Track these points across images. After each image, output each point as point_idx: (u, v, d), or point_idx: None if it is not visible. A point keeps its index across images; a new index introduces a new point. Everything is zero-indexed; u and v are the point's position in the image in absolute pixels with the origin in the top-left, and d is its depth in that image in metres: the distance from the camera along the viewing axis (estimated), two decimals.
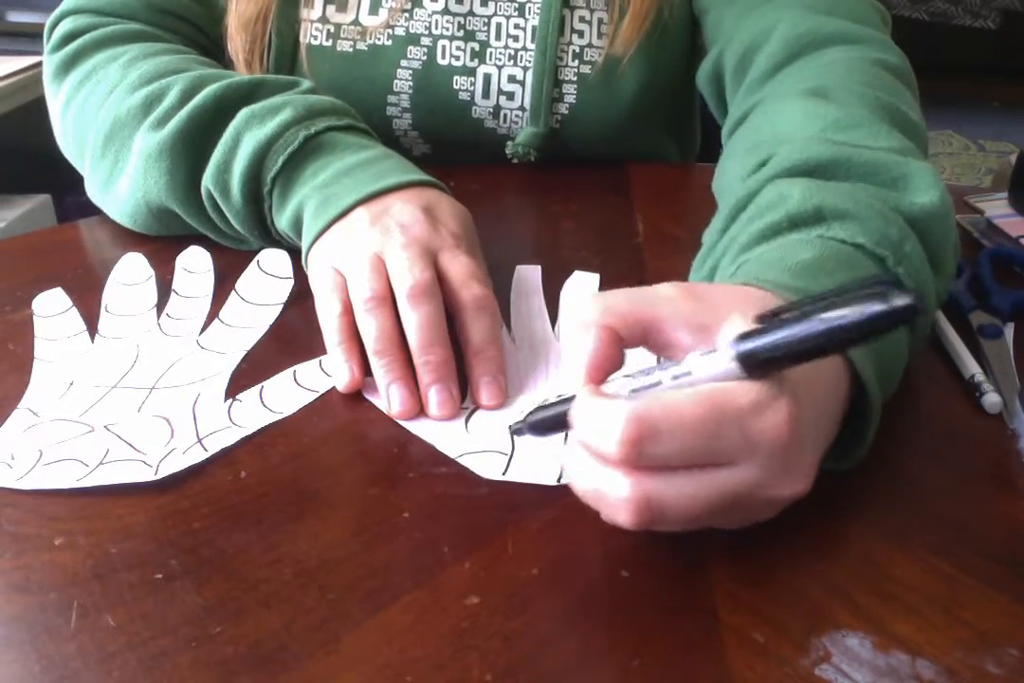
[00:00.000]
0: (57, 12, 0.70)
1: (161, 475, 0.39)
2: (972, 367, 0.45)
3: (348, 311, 0.46)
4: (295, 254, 0.55)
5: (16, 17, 1.60)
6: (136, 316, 0.52)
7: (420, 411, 0.44)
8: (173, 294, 0.55)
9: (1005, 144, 2.69)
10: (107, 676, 0.30)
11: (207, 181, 0.55)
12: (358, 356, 0.46)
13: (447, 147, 0.74)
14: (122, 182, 0.60)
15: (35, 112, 0.67)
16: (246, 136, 0.54)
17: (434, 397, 0.44)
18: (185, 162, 0.56)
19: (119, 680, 0.30)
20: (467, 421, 0.43)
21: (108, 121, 0.59)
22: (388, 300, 0.45)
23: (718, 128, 0.68)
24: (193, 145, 0.56)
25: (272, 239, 0.57)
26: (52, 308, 0.53)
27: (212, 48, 0.72)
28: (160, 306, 0.53)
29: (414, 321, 0.44)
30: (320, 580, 0.34)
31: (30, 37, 1.59)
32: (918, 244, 0.43)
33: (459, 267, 0.47)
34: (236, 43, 0.70)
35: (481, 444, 0.42)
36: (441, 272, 0.47)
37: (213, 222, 0.58)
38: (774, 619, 0.32)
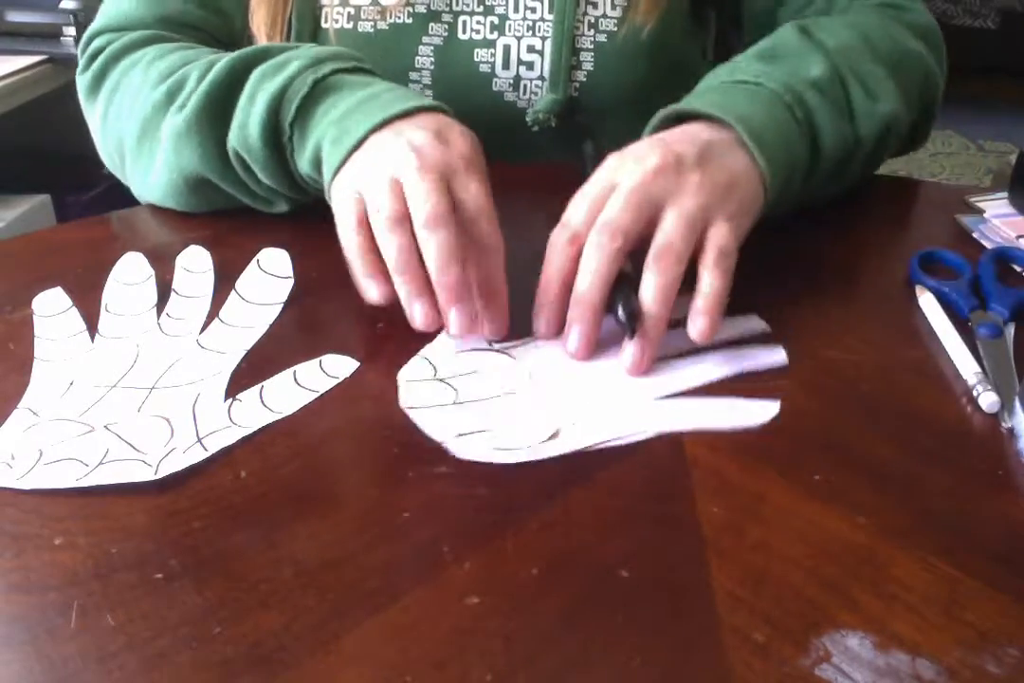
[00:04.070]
0: (86, 35, 0.72)
1: (161, 475, 0.39)
2: (970, 367, 0.45)
3: (365, 226, 0.49)
4: (294, 253, 0.55)
5: (16, 17, 1.60)
6: (136, 316, 0.52)
7: (441, 326, 0.47)
8: (173, 294, 0.55)
9: (1005, 144, 2.70)
10: (107, 676, 0.30)
11: (232, 142, 0.58)
12: (381, 268, 0.49)
13: (466, 124, 0.75)
14: (156, 168, 0.63)
15: (35, 112, 0.68)
16: (259, 92, 0.57)
17: (453, 317, 0.46)
18: (212, 133, 0.59)
19: (119, 680, 0.30)
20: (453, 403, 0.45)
21: (138, 122, 0.63)
22: (406, 220, 0.47)
23: None
24: (216, 115, 0.59)
25: (300, 188, 0.60)
26: (52, 308, 0.53)
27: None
28: (160, 306, 0.53)
29: (431, 245, 0.46)
30: (320, 580, 0.34)
31: (30, 37, 1.59)
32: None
33: (470, 197, 0.49)
34: (259, 17, 0.72)
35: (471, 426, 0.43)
36: (453, 198, 0.49)
37: (247, 185, 0.61)
38: (774, 619, 0.32)
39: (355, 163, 0.52)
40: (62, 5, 1.58)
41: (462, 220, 0.48)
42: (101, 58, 0.68)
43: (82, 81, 0.70)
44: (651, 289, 0.46)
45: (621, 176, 0.50)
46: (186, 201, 0.64)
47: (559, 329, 0.49)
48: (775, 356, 0.48)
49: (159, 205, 0.66)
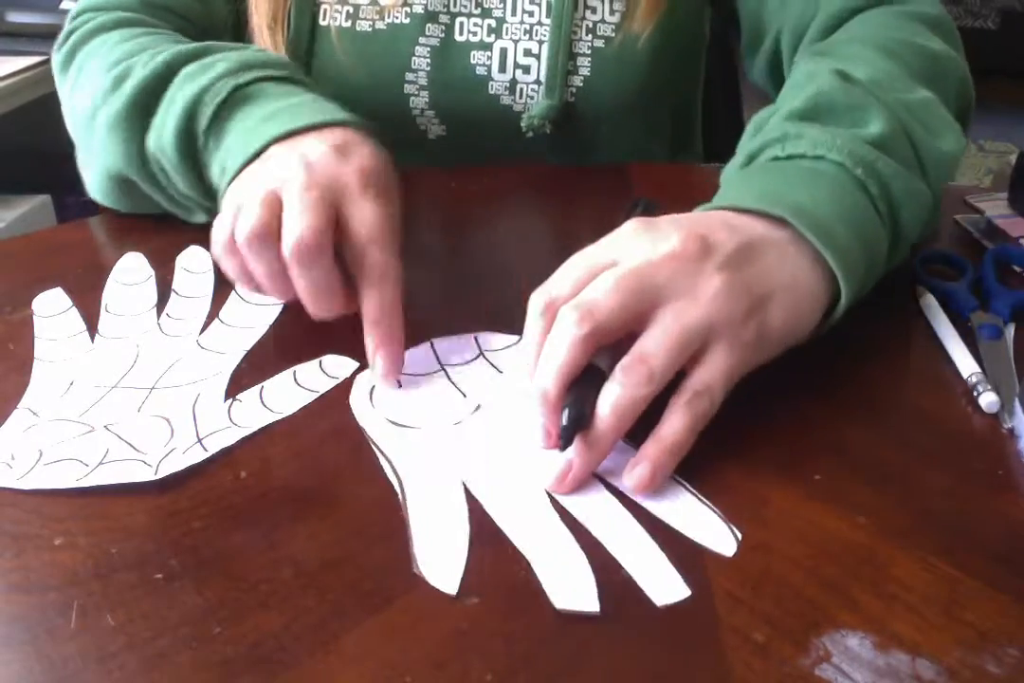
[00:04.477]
0: (70, 13, 0.71)
1: (161, 475, 0.39)
2: (970, 367, 0.45)
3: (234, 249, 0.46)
4: None
5: (16, 17, 1.60)
6: (136, 316, 0.52)
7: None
8: (173, 294, 0.55)
9: (1005, 144, 2.69)
10: (107, 676, 0.30)
11: (150, 143, 0.56)
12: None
13: (462, 127, 0.75)
14: (92, 161, 0.61)
15: (35, 112, 0.68)
16: (179, 94, 0.55)
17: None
18: (139, 129, 0.57)
19: (119, 680, 0.30)
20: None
21: (88, 107, 0.61)
22: (271, 237, 0.44)
23: (721, 130, 0.69)
24: (142, 113, 0.56)
25: (214, 198, 0.56)
26: (52, 308, 0.53)
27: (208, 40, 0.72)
28: (160, 306, 0.53)
29: (300, 285, 0.45)
30: (320, 580, 0.34)
31: (30, 37, 1.59)
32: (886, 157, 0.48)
33: (360, 221, 0.45)
34: (261, 10, 0.71)
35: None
36: (342, 221, 0.45)
37: (166, 190, 0.59)
38: (774, 619, 0.32)
39: (247, 173, 0.49)
40: (62, 5, 1.58)
41: (351, 246, 0.45)
42: (74, 37, 0.67)
43: (56, 58, 0.69)
44: (607, 403, 0.38)
45: (627, 251, 0.41)
46: (115, 199, 0.63)
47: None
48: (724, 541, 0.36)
49: (97, 201, 0.65)
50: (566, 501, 0.38)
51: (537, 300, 0.41)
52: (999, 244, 0.59)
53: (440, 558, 0.35)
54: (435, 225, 0.64)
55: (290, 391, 0.45)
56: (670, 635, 0.32)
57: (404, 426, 0.43)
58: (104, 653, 0.31)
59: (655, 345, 0.39)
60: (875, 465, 0.40)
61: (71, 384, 0.46)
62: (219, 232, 0.46)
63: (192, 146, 0.55)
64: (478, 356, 0.47)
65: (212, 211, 0.58)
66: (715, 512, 0.37)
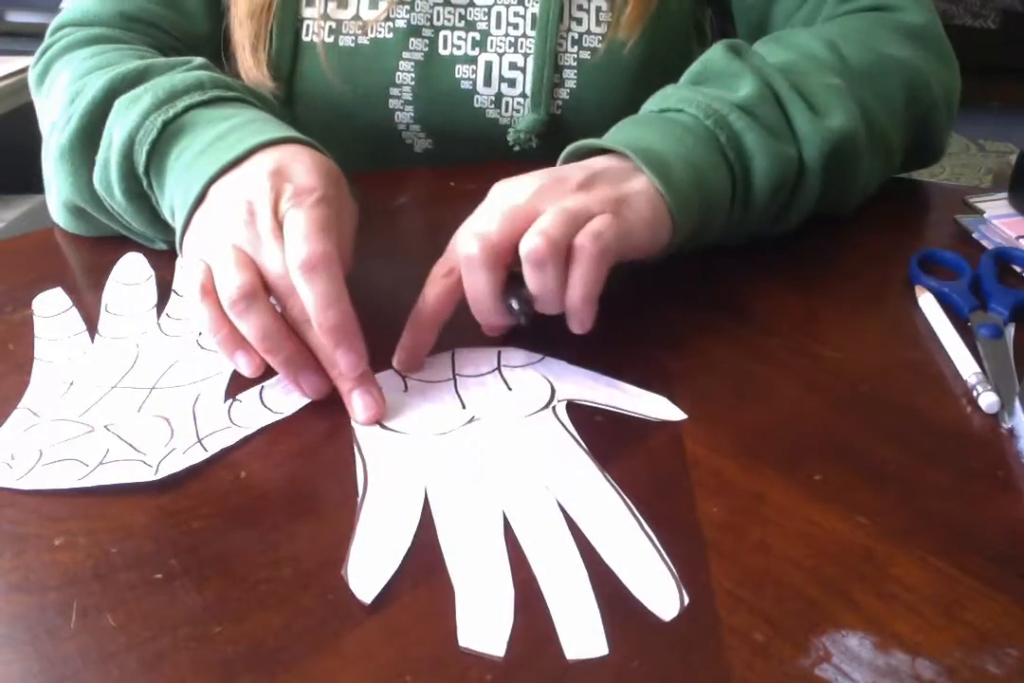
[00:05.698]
0: (49, 28, 0.70)
1: (161, 475, 0.39)
2: (970, 367, 0.45)
3: (212, 295, 0.45)
4: None
5: (16, 17, 1.61)
6: (136, 316, 0.52)
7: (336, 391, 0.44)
8: (173, 294, 0.55)
9: (1005, 144, 2.69)
10: (107, 676, 0.31)
11: (96, 183, 0.55)
12: (243, 341, 0.44)
13: (449, 141, 0.75)
14: (50, 186, 0.60)
15: (35, 113, 0.68)
16: (115, 130, 0.53)
17: (357, 402, 0.43)
18: (85, 161, 0.55)
19: (119, 680, 0.30)
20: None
21: (48, 128, 0.59)
22: (258, 295, 0.43)
23: None
24: (90, 142, 0.55)
25: (173, 232, 0.53)
26: (52, 308, 0.53)
27: (188, 53, 0.71)
28: (160, 306, 0.53)
29: (325, 337, 0.43)
30: (320, 580, 0.34)
31: (30, 37, 1.59)
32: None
33: (292, 224, 0.44)
34: (244, 29, 0.70)
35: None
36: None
37: (120, 222, 0.58)
38: (774, 619, 0.32)
39: (198, 223, 0.48)
40: (62, 5, 1.59)
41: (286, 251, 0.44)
42: (48, 54, 0.66)
43: (31, 76, 0.67)
44: (534, 285, 0.45)
45: (499, 198, 0.48)
46: (75, 225, 0.62)
47: (413, 360, 0.47)
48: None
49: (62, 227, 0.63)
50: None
51: (440, 267, 0.47)
52: (998, 244, 0.59)
53: (368, 566, 0.35)
54: (434, 224, 0.65)
55: (290, 391, 0.45)
56: (670, 635, 0.32)
57: (392, 430, 0.42)
58: (104, 653, 0.31)
59: (545, 220, 0.45)
60: (875, 465, 0.40)
61: (71, 384, 0.46)
62: (192, 284, 0.45)
63: (138, 186, 0.53)
64: (494, 370, 0.47)
65: (171, 243, 0.56)
66: (669, 570, 0.34)
